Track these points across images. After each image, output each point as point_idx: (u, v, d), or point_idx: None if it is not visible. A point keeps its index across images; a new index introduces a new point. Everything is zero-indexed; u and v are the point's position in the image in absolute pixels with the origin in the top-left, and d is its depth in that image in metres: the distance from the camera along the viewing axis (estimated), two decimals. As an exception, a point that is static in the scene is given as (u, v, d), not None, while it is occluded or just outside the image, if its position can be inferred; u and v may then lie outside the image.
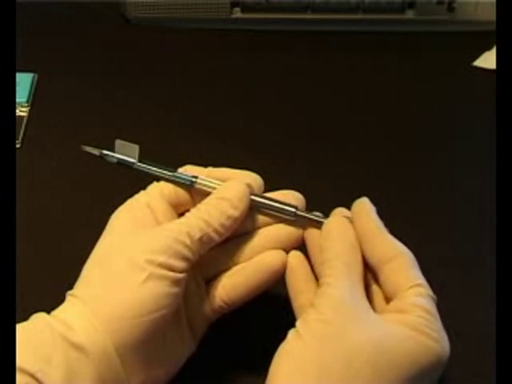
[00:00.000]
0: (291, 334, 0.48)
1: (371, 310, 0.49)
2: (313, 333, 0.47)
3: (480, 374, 0.51)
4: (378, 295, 0.52)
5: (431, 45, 0.86)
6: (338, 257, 0.50)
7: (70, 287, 0.52)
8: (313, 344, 0.46)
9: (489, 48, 0.84)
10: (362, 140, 0.76)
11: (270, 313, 0.60)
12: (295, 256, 0.54)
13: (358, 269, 0.50)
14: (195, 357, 0.55)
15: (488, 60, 0.83)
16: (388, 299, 0.50)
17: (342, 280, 0.49)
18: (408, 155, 0.75)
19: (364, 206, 0.53)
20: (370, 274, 0.52)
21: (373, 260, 0.51)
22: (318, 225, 0.54)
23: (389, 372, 0.45)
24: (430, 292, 0.49)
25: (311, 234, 0.54)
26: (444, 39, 0.86)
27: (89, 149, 0.58)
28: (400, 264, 0.50)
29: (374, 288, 0.52)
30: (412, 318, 0.48)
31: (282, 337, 0.59)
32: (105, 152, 0.57)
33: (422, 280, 0.50)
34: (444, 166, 0.73)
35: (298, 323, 0.48)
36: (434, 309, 0.48)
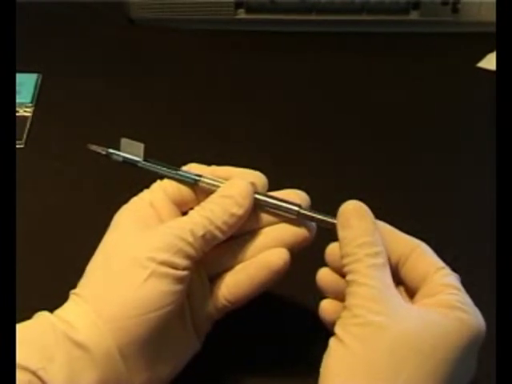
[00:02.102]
0: (333, 342, 0.48)
1: (402, 300, 0.49)
2: (352, 336, 0.47)
3: (480, 374, 0.51)
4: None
5: (435, 46, 0.86)
6: (360, 249, 0.50)
7: (74, 286, 0.52)
8: (355, 347, 0.47)
9: (493, 49, 0.83)
10: (364, 140, 0.76)
11: (273, 311, 0.60)
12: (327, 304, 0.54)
13: (383, 256, 0.50)
14: (198, 356, 0.55)
15: (492, 61, 0.83)
16: (413, 290, 0.51)
17: (369, 276, 0.49)
18: (411, 155, 0.75)
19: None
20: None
21: (394, 257, 0.51)
22: (322, 224, 0.54)
23: (434, 356, 0.46)
24: (454, 273, 0.50)
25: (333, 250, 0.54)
26: (448, 40, 0.86)
27: (95, 148, 0.58)
28: (421, 254, 0.51)
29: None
30: (444, 297, 0.48)
31: (285, 336, 0.59)
32: (111, 150, 0.58)
33: (443, 264, 0.51)
34: (444, 166, 0.73)
35: (336, 329, 0.48)
36: (461, 286, 0.50)
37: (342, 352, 0.47)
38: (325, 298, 0.54)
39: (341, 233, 0.52)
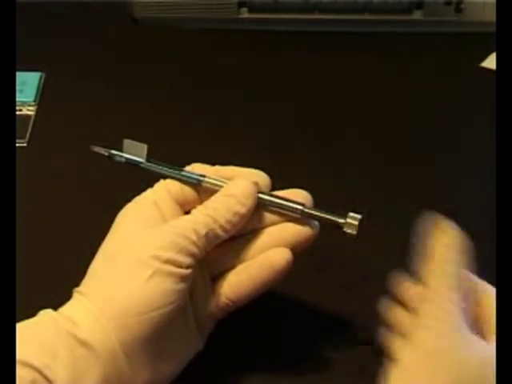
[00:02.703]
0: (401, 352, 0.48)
1: (470, 332, 0.49)
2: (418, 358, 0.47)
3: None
4: None
5: (439, 46, 0.87)
6: (442, 276, 0.50)
7: (75, 286, 0.52)
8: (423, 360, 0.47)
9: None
10: (364, 140, 0.76)
11: (275, 311, 0.61)
12: None
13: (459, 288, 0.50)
14: (200, 355, 0.55)
15: (495, 61, 0.83)
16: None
17: (442, 310, 0.49)
18: (411, 155, 0.75)
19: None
20: None
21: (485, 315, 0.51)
22: (327, 222, 0.54)
23: None
24: None
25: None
26: (451, 40, 0.87)
27: (97, 149, 0.58)
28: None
29: None
30: None
31: (287, 336, 0.59)
32: (113, 152, 0.58)
33: None
34: (444, 166, 0.74)
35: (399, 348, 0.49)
36: None
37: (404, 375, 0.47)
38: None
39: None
